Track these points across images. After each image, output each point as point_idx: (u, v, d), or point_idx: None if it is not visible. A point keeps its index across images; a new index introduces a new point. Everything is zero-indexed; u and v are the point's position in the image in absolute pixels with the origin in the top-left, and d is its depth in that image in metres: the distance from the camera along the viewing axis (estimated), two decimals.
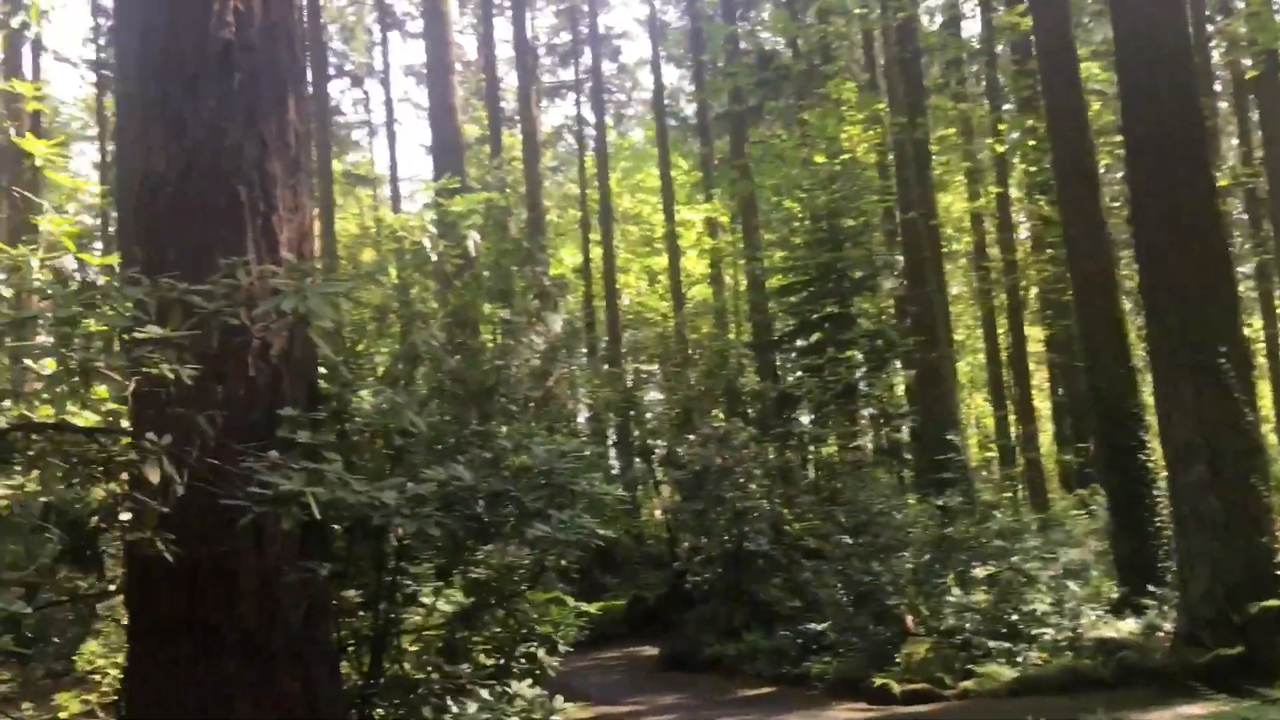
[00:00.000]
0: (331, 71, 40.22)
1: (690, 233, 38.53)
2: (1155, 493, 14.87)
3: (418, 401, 7.25)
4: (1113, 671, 11.49)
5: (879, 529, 13.59)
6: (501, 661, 8.28)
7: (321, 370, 6.72)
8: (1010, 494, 16.29)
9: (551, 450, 7.07)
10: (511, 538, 6.92)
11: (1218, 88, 34.03)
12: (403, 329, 10.86)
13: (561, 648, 8.71)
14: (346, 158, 41.43)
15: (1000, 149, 23.96)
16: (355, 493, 4.75)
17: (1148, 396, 14.16)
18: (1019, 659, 12.15)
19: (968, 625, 12.42)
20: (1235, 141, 34.90)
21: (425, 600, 8.75)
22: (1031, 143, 26.61)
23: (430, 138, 26.74)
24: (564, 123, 43.82)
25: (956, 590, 12.59)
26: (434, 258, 7.96)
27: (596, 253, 38.69)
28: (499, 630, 8.41)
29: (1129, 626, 13.53)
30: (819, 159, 24.60)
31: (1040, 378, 35.17)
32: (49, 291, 3.89)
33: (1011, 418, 31.19)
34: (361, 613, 7.62)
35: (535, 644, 8.36)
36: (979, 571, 12.78)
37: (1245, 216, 33.88)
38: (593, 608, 22.43)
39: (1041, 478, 27.62)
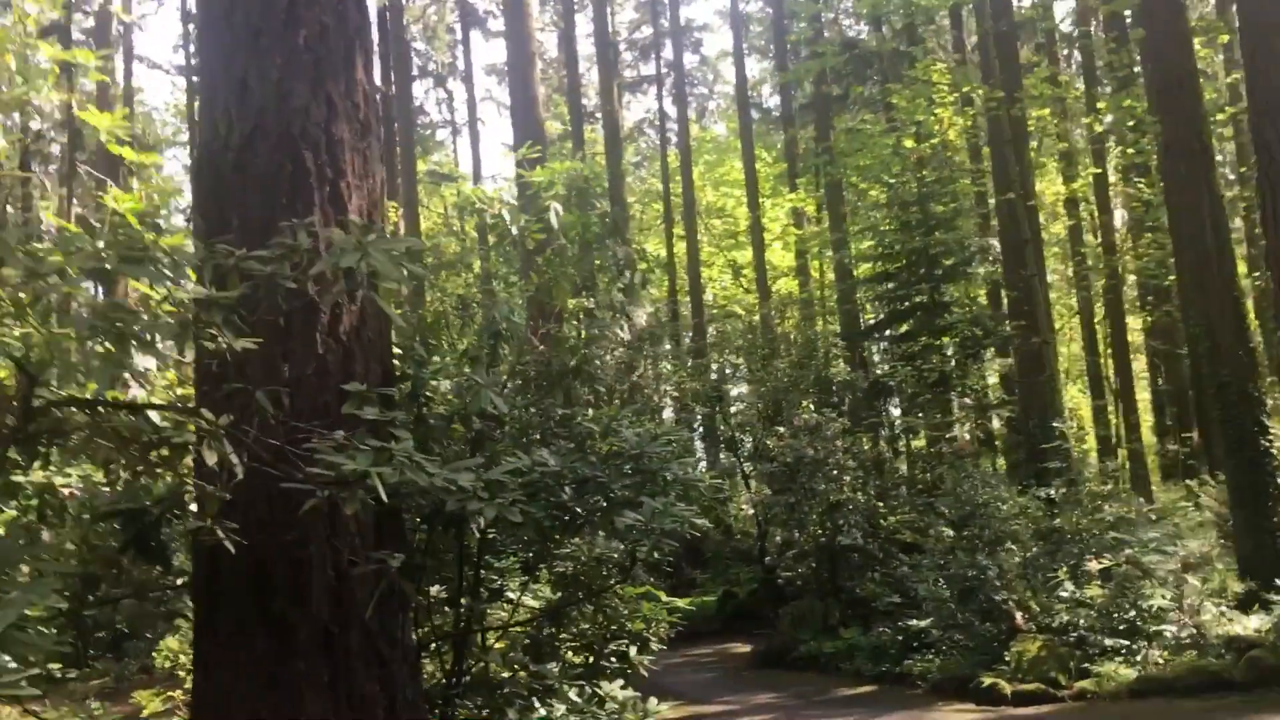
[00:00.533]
0: (415, 72, 40.26)
1: (775, 225, 37.77)
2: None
3: (498, 383, 6.76)
4: (1245, 672, 10.61)
5: (984, 521, 12.80)
6: (591, 660, 7.74)
7: (397, 352, 6.27)
8: (1114, 485, 15.33)
9: (642, 434, 6.51)
10: (601, 527, 6.37)
11: None
12: (485, 316, 10.39)
13: (654, 645, 8.16)
14: (430, 158, 41.40)
15: (1098, 128, 22.86)
16: (427, 475, 4.24)
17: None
18: (1139, 658, 11.31)
19: (1082, 622, 11.60)
20: None
21: (511, 595, 8.29)
22: (1130, 123, 25.45)
23: (512, 134, 26.42)
24: (645, 117, 43.32)
25: (1069, 585, 11.77)
26: (514, 231, 7.38)
27: (680, 248, 38.16)
28: (588, 627, 7.88)
29: (1257, 624, 12.60)
30: (908, 143, 23.75)
31: (1138, 366, 33.80)
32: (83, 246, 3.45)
33: (1110, 408, 29.95)
34: (446, 609, 7.17)
35: (626, 642, 7.80)
36: (1092, 565, 11.95)
37: None
38: (684, 603, 22.03)
39: (1144, 469, 26.40)
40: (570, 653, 7.83)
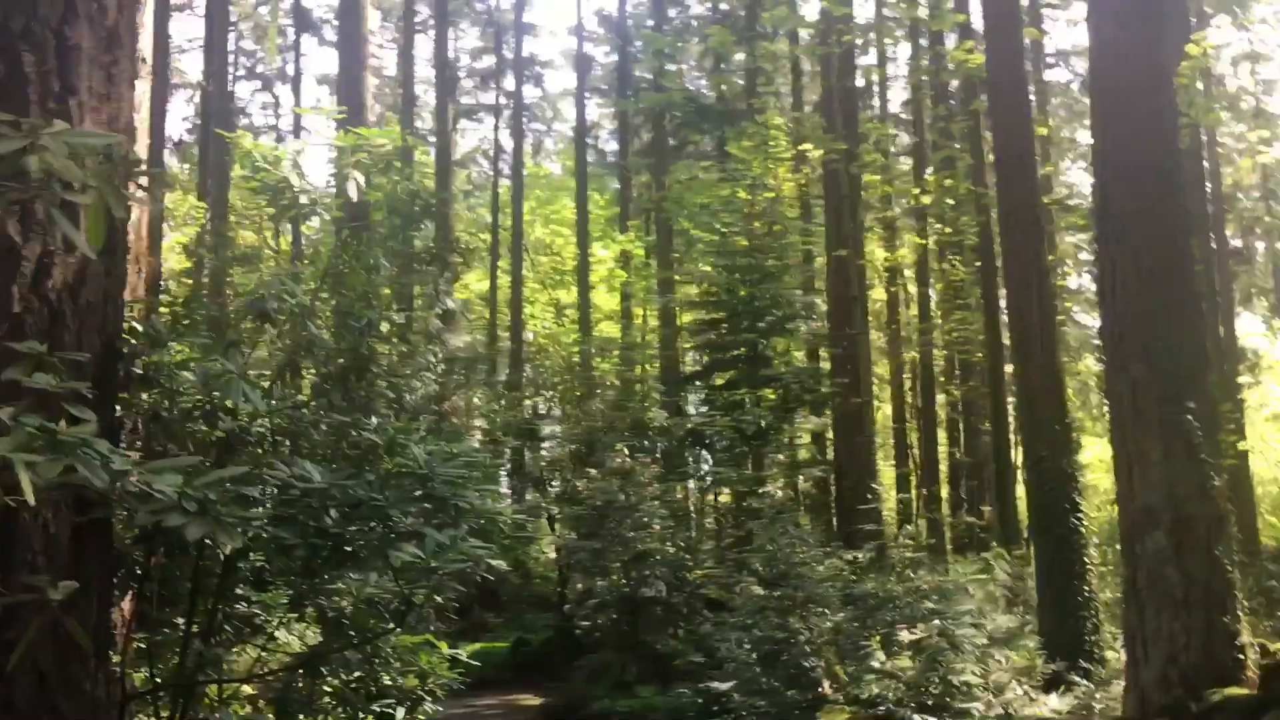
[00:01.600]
0: (241, 72, 38.02)
1: (602, 268, 36.99)
2: (1087, 560, 13.62)
3: (263, 375, 5.44)
4: None
5: (797, 581, 11.96)
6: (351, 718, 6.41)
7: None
8: (924, 553, 14.88)
9: (435, 452, 5.29)
10: (371, 563, 5.11)
11: None
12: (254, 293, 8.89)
13: (429, 706, 6.87)
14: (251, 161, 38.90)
15: (926, 200, 22.90)
16: (108, 473, 2.95)
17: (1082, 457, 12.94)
18: None
19: (890, 695, 10.83)
20: None
21: (277, 635, 6.91)
22: (950, 201, 25.75)
23: None
24: (479, 146, 41.96)
25: (880, 654, 11.01)
26: (304, 200, 6.05)
27: (505, 281, 36.87)
28: (352, 680, 6.54)
29: (1057, 704, 12.15)
30: (743, 194, 23.27)
31: (940, 438, 34.22)
32: None
33: (911, 476, 30.09)
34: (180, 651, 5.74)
35: (394, 701, 6.50)
36: (904, 635, 11.24)
37: None
38: (472, 649, 20.49)
39: (941, 539, 26.44)
40: (327, 710, 6.48)
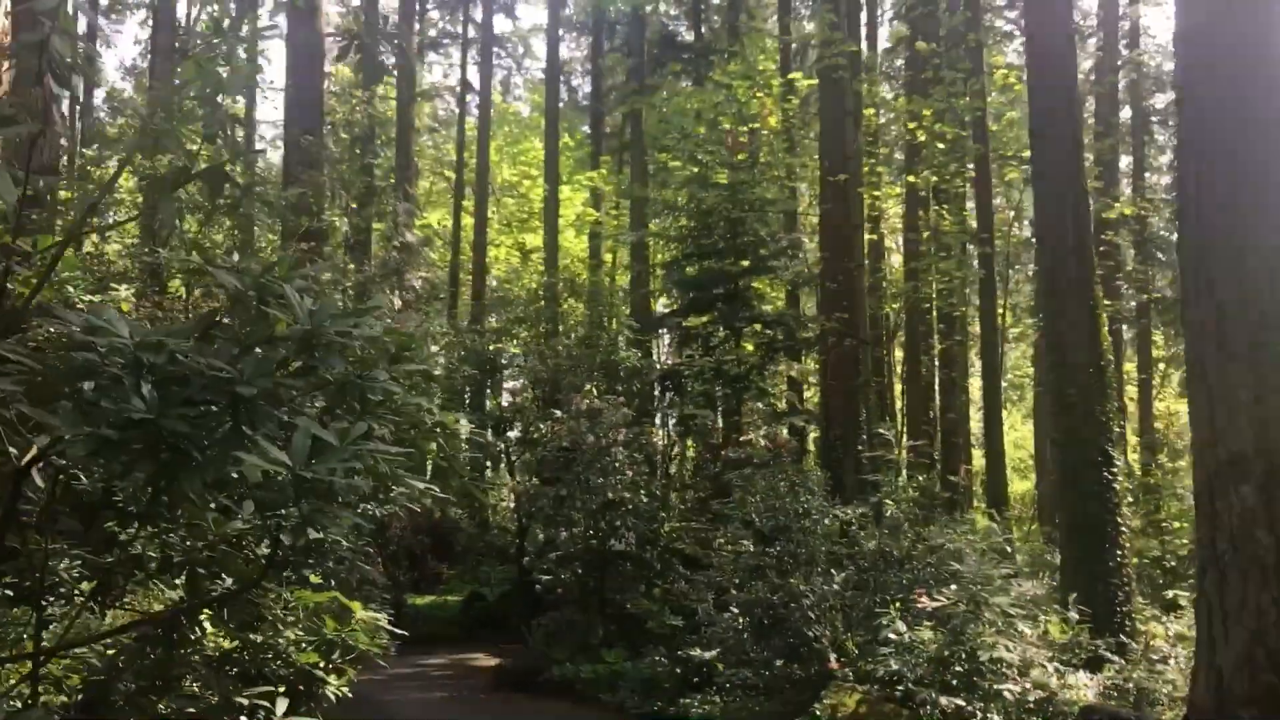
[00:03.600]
0: None
1: (571, 212, 34.74)
2: (1120, 520, 11.74)
3: None
4: None
5: (801, 538, 9.98)
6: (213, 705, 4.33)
7: None
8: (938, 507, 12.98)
9: (326, 305, 3.19)
10: (204, 474, 3.00)
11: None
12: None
13: (332, 690, 4.81)
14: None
15: (921, 135, 20.84)
16: None
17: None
18: None
19: (909, 673, 8.90)
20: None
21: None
22: (940, 145, 23.76)
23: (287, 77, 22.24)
24: (445, 80, 39.40)
25: (900, 625, 9.06)
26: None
27: (469, 222, 34.52)
28: (221, 651, 4.46)
29: (1090, 684, 10.27)
30: (726, 123, 21.14)
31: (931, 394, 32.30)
32: None
33: (902, 435, 28.17)
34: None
35: (279, 685, 4.42)
36: (924, 602, 9.32)
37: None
38: (422, 601, 18.41)
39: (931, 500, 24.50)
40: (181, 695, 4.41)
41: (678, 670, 10.77)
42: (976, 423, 34.02)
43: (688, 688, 10.53)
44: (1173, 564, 17.17)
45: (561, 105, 36.44)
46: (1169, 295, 33.54)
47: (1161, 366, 34.74)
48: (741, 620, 10.15)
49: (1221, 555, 8.18)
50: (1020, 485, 37.02)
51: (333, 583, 8.63)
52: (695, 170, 20.75)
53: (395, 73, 31.78)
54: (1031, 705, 8.95)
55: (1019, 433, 39.62)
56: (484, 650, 16.84)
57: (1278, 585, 7.90)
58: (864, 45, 30.54)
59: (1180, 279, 9.02)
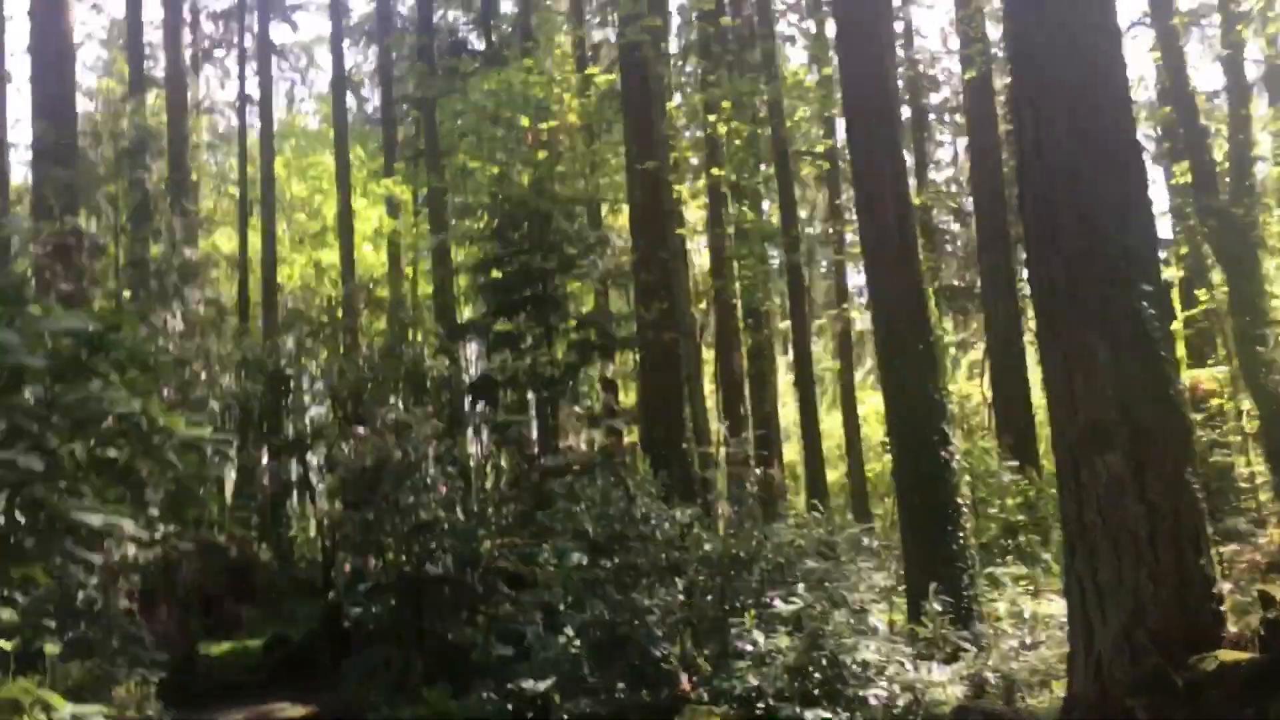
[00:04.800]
0: None
1: (367, 226, 32.69)
2: (960, 501, 11.09)
3: None
4: None
5: (639, 545, 8.79)
6: None
7: None
8: (775, 503, 12.08)
9: None
10: None
11: None
12: None
13: None
14: None
15: (722, 129, 20.14)
16: None
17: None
18: None
19: (767, 686, 7.84)
20: None
21: None
22: (738, 142, 23.31)
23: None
24: (221, 97, 36.65)
25: (756, 634, 7.98)
26: None
27: (256, 242, 31.93)
28: None
29: (943, 677, 9.47)
30: (525, 122, 19.90)
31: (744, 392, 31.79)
32: None
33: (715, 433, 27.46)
34: None
35: None
36: (780, 606, 8.30)
37: None
38: (220, 650, 16.33)
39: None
40: None
41: (509, 706, 9.39)
42: (785, 417, 33.92)
43: None
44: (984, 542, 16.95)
45: (351, 118, 34.43)
46: (956, 284, 34.45)
47: (952, 351, 35.41)
48: (577, 644, 8.88)
49: (1090, 530, 7.47)
50: (832, 475, 37.12)
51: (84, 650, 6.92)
52: (496, 170, 19.44)
53: (165, 84, 29.09)
54: (899, 709, 8.04)
55: (825, 424, 39.92)
56: (291, 697, 14.94)
57: (1154, 559, 7.23)
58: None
59: (1025, 236, 8.33)
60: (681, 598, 8.54)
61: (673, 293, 14.57)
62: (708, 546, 8.91)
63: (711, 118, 20.11)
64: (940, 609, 9.57)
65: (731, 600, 8.49)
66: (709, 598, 8.58)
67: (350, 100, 35.16)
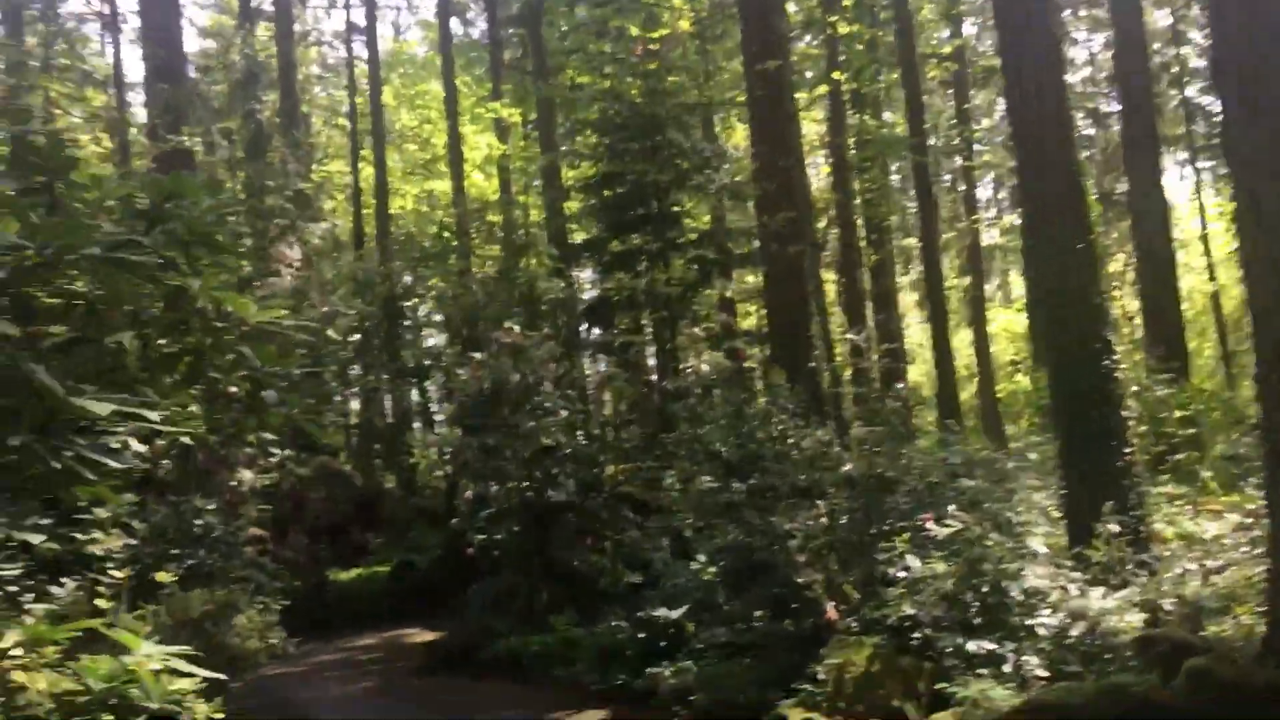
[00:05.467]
0: None
1: (477, 154, 32.27)
2: (1126, 415, 10.08)
3: None
4: (1188, 693, 6.43)
5: (778, 467, 8.11)
6: None
7: None
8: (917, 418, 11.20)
9: None
10: None
11: None
12: None
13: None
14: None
15: (844, 29, 18.91)
16: None
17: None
18: (1010, 669, 6.96)
19: (924, 616, 7.13)
20: None
21: None
22: (859, 46, 21.94)
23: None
24: (326, 26, 36.34)
25: (911, 559, 7.26)
26: None
27: (368, 173, 31.81)
28: None
29: (1107, 606, 8.59)
30: (634, 30, 18.98)
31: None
32: None
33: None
34: None
35: None
36: (933, 528, 7.55)
37: None
38: (348, 576, 16.29)
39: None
40: None
41: (640, 635, 8.89)
42: (909, 337, 32.67)
43: (654, 654, 8.67)
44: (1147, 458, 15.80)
45: (457, 42, 33.86)
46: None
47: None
48: (711, 570, 8.29)
49: None
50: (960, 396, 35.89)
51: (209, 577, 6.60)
52: (605, 84, 18.63)
53: (272, 15, 28.90)
54: (1072, 639, 7.25)
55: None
56: (419, 624, 14.86)
57: None
58: None
59: (1222, 110, 7.23)
60: (825, 521, 7.86)
61: (795, 203, 13.62)
62: (848, 466, 8.17)
63: (832, 19, 18.87)
64: (1125, 533, 8.68)
65: (878, 523, 7.77)
66: (853, 520, 7.87)
67: (456, 26, 34.60)
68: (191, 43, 33.74)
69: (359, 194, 30.99)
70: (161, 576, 6.08)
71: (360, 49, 32.81)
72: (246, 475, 11.88)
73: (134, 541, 6.21)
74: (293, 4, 29.60)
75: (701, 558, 8.58)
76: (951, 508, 8.15)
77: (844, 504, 7.94)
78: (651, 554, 10.53)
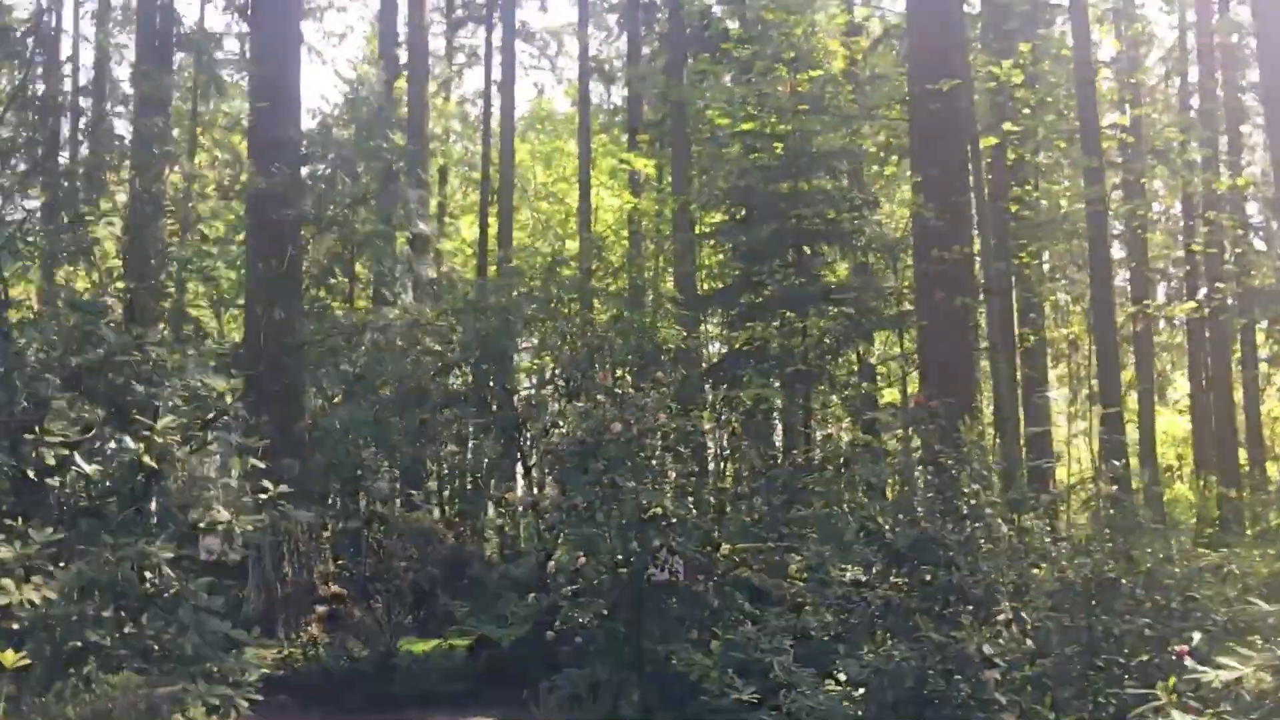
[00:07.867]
0: None
1: (609, 215, 30.75)
2: None
3: None
4: None
5: (969, 558, 5.69)
6: None
7: None
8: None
9: None
10: None
11: None
12: None
13: None
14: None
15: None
16: None
17: None
18: None
19: None
20: None
21: None
22: None
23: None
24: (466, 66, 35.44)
25: (1177, 715, 4.74)
26: None
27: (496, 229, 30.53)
28: None
29: None
30: (782, 73, 17.04)
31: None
32: None
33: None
34: None
35: None
36: (1188, 661, 5.06)
37: None
38: (424, 648, 14.30)
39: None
40: None
41: None
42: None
43: None
44: None
45: (598, 99, 32.73)
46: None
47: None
48: (857, 693, 5.88)
49: None
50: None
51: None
52: (748, 126, 16.65)
53: (406, 51, 28.11)
54: None
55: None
56: (494, 711, 12.61)
57: None
58: None
59: None
60: (1029, 644, 5.39)
61: (965, 241, 11.16)
62: (1069, 564, 5.68)
63: (1005, 64, 16.57)
64: None
65: (1112, 650, 5.27)
66: (1066, 640, 5.38)
67: (598, 87, 33.48)
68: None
69: (485, 244, 29.67)
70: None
71: (497, 102, 31.86)
72: (304, 515, 10.01)
73: (52, 596, 4.25)
74: (427, 41, 28.86)
75: (842, 676, 6.18)
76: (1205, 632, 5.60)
77: (1055, 618, 5.46)
78: (769, 657, 8.11)
